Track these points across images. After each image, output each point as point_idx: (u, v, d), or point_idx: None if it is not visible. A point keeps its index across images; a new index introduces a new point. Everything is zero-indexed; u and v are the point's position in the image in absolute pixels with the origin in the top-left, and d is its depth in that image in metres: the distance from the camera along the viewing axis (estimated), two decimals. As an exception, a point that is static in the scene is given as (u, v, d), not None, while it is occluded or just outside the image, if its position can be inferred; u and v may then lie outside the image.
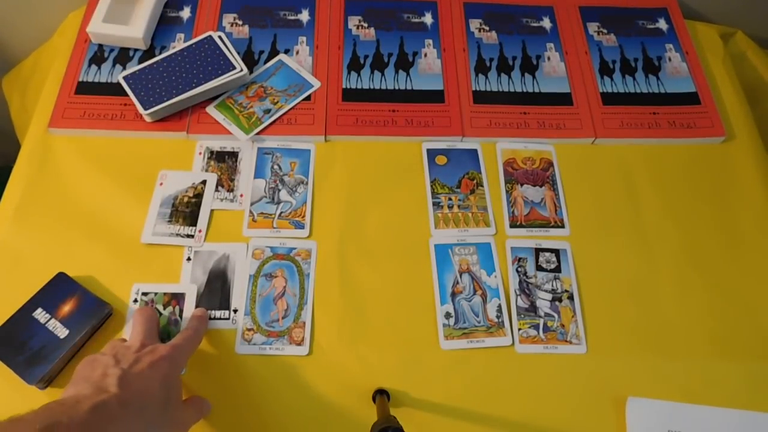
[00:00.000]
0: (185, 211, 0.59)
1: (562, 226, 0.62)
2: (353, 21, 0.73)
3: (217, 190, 0.61)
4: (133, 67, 0.65)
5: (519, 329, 0.56)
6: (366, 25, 0.73)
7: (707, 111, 0.69)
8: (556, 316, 0.57)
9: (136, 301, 0.55)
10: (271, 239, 0.59)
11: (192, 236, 0.58)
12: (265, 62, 0.69)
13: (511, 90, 0.69)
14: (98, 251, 0.57)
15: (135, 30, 0.67)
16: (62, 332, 0.51)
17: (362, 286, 0.57)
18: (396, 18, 0.73)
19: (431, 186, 0.63)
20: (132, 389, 0.40)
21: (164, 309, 0.55)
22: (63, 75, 0.66)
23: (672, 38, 0.75)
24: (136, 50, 0.68)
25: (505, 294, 0.58)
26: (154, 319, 0.51)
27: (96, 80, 0.66)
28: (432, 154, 0.65)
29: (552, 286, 0.58)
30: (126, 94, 0.63)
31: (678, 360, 0.55)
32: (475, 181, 0.64)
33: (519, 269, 0.59)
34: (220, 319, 0.55)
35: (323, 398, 0.52)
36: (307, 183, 0.62)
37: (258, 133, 0.64)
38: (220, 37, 0.66)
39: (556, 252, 0.60)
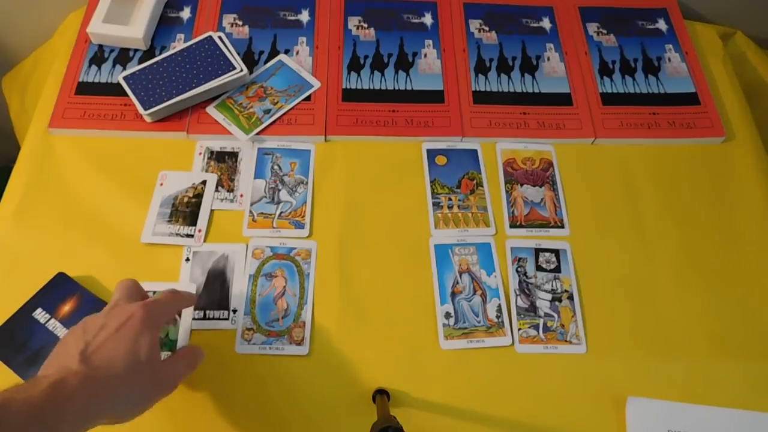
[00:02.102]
0: (185, 211, 0.60)
1: (562, 226, 0.62)
2: (353, 21, 0.73)
3: (217, 190, 0.61)
4: (133, 68, 0.65)
5: (519, 329, 0.56)
6: (366, 25, 0.73)
7: (707, 111, 0.69)
8: (556, 316, 0.57)
9: (136, 300, 0.55)
10: (271, 239, 0.59)
11: (192, 236, 0.58)
12: (265, 62, 0.69)
13: (511, 90, 0.69)
14: (98, 251, 0.57)
15: (135, 30, 0.67)
16: (62, 332, 0.51)
17: (362, 286, 0.57)
18: (396, 18, 0.73)
19: (431, 186, 0.63)
20: (94, 361, 0.39)
21: (164, 309, 0.54)
22: (63, 75, 0.66)
23: (672, 38, 0.75)
24: (136, 50, 0.68)
25: (505, 294, 0.58)
26: (134, 287, 0.47)
27: (96, 80, 0.66)
28: (432, 154, 0.65)
29: (552, 286, 0.58)
30: (126, 95, 0.63)
31: (678, 360, 0.55)
32: (475, 181, 0.64)
33: (519, 269, 0.59)
34: (219, 319, 0.55)
35: (323, 398, 0.52)
36: (307, 183, 0.62)
37: (258, 134, 0.64)
38: (220, 38, 0.66)
39: (555, 252, 0.60)
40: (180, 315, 0.54)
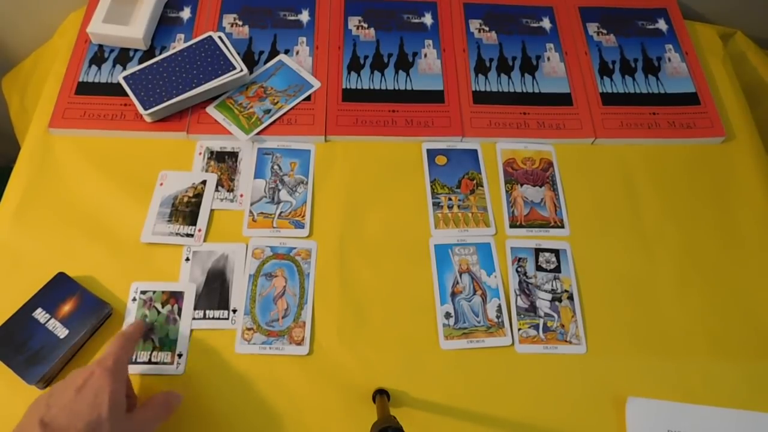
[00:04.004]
0: (185, 210, 0.60)
1: (562, 226, 0.62)
2: (353, 21, 0.73)
3: (217, 190, 0.61)
4: (133, 68, 0.65)
5: (519, 329, 0.56)
6: (366, 25, 0.73)
7: (707, 111, 0.69)
8: (555, 316, 0.57)
9: (134, 299, 0.55)
10: (271, 239, 0.59)
11: (192, 235, 0.58)
12: (265, 62, 0.69)
13: (511, 90, 0.69)
14: (98, 251, 0.57)
15: (135, 30, 0.67)
16: (62, 332, 0.51)
17: (362, 286, 0.57)
18: (396, 18, 0.73)
19: (431, 186, 0.63)
20: (53, 426, 0.38)
21: (162, 307, 0.55)
22: (63, 75, 0.66)
23: (672, 39, 0.75)
24: (136, 50, 0.68)
25: (505, 294, 0.58)
26: (130, 343, 0.47)
27: (96, 80, 0.66)
28: (432, 154, 0.65)
29: (552, 286, 0.58)
30: (126, 95, 0.63)
31: (678, 360, 0.55)
32: (475, 181, 0.64)
33: (519, 269, 0.59)
34: (218, 319, 0.55)
35: (323, 398, 0.52)
36: (307, 183, 0.62)
37: (258, 134, 0.64)
38: (220, 38, 0.66)
39: (555, 252, 0.60)
40: (180, 315, 0.54)
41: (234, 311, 0.55)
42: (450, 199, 0.63)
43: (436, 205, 0.62)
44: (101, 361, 0.43)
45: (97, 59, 0.68)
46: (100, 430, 0.39)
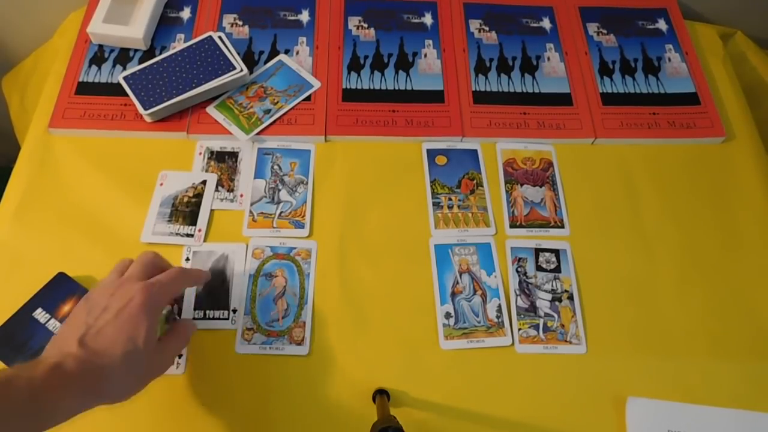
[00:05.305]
0: (185, 210, 0.60)
1: (562, 226, 0.62)
2: (353, 21, 0.73)
3: (217, 190, 0.61)
4: (133, 68, 0.65)
5: (519, 329, 0.56)
6: (366, 25, 0.73)
7: (707, 111, 0.69)
8: (556, 316, 0.57)
9: (136, 300, 0.55)
10: (271, 239, 0.59)
11: (192, 235, 0.58)
12: (265, 62, 0.69)
13: (511, 90, 0.69)
14: (98, 251, 0.57)
15: (135, 30, 0.67)
16: (62, 332, 0.51)
17: (362, 286, 0.57)
18: (396, 18, 0.73)
19: (431, 186, 0.63)
20: (92, 347, 0.40)
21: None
22: (63, 75, 0.66)
23: (672, 39, 0.75)
24: (136, 50, 0.68)
25: (505, 294, 0.58)
26: (152, 263, 0.47)
27: (96, 80, 0.66)
28: (432, 154, 0.65)
29: (552, 286, 0.58)
30: (126, 95, 0.63)
31: (678, 360, 0.55)
32: (475, 181, 0.64)
33: (519, 269, 0.59)
34: (219, 319, 0.55)
35: (323, 398, 0.52)
36: (307, 183, 0.62)
37: (258, 134, 0.64)
38: (220, 38, 0.66)
39: (556, 252, 0.60)
40: (180, 315, 0.54)
41: (234, 311, 0.55)
42: (450, 199, 0.63)
43: (436, 205, 0.62)
44: (146, 287, 0.43)
45: (97, 59, 0.68)
46: (135, 359, 0.41)
